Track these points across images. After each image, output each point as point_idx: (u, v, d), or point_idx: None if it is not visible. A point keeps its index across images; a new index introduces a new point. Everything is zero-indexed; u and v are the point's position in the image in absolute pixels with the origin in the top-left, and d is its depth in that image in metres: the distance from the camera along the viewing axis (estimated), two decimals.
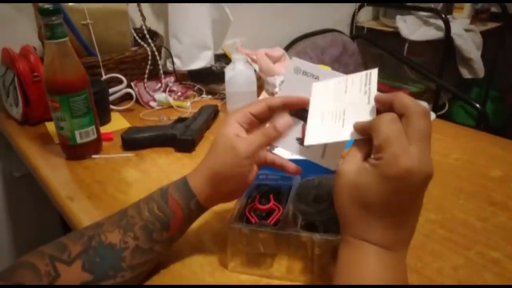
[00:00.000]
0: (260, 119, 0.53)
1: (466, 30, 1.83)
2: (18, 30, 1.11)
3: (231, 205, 0.57)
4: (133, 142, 0.89)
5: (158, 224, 0.51)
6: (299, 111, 0.52)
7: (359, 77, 0.49)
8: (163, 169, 0.82)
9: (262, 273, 0.55)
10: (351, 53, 1.83)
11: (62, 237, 0.51)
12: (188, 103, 1.10)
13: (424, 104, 0.97)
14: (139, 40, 1.15)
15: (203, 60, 1.27)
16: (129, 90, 1.08)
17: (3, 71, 1.02)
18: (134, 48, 1.13)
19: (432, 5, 1.81)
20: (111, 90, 1.05)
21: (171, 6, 1.26)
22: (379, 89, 0.47)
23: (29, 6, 1.09)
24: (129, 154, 0.87)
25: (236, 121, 0.51)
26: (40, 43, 1.08)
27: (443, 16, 1.73)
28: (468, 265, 0.56)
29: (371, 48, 1.98)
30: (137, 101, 1.10)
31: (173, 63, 1.24)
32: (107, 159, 0.85)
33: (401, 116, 0.41)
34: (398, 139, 0.39)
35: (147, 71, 1.13)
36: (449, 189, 0.72)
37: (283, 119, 0.50)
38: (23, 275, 0.45)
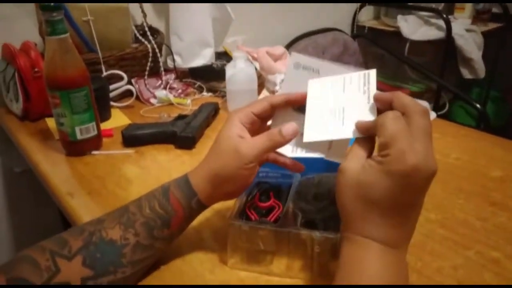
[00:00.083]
0: (262, 118, 0.53)
1: (467, 30, 1.83)
2: (19, 26, 1.11)
3: (231, 203, 0.57)
4: (133, 138, 0.89)
5: (159, 221, 0.51)
6: (302, 106, 0.52)
7: (357, 76, 0.49)
8: (163, 166, 0.82)
9: (262, 270, 0.55)
10: (352, 53, 1.83)
11: (62, 232, 0.51)
12: (188, 101, 1.10)
13: (425, 103, 0.97)
14: (140, 37, 1.15)
15: (203, 57, 1.27)
16: (130, 87, 1.08)
17: (3, 66, 1.02)
18: (135, 45, 1.13)
19: (433, 5, 1.81)
20: (111, 87, 1.05)
21: (173, 3, 1.26)
22: (379, 89, 0.47)
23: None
24: (129, 151, 0.87)
25: (239, 121, 0.51)
26: (40, 39, 1.08)
27: (444, 16, 1.73)
28: (468, 264, 0.56)
29: (372, 47, 1.98)
30: (137, 98, 1.10)
31: (173, 60, 1.24)
32: (107, 156, 0.85)
33: (401, 114, 0.42)
34: (404, 136, 0.39)
35: (147, 68, 1.13)
36: (449, 188, 0.72)
37: (290, 125, 0.49)
38: (23, 269, 0.46)
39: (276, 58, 1.18)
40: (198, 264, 0.56)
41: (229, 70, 0.99)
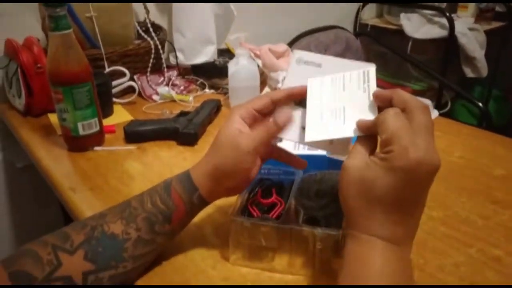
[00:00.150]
0: (263, 114, 0.52)
1: (470, 29, 1.82)
2: (22, 22, 1.11)
3: (233, 199, 0.57)
4: (136, 135, 0.89)
5: (160, 216, 0.51)
6: (304, 100, 0.52)
7: (356, 74, 0.49)
8: (165, 162, 0.82)
9: (264, 266, 0.55)
10: (354, 50, 1.82)
11: (65, 226, 0.51)
12: (190, 97, 1.10)
13: (428, 102, 0.97)
14: (143, 34, 1.15)
15: (206, 54, 1.27)
16: (132, 83, 1.08)
17: (6, 62, 1.02)
18: (137, 41, 1.13)
19: (436, 3, 1.81)
20: (113, 83, 1.05)
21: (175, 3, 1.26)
22: (381, 86, 0.47)
23: None
24: (131, 147, 0.87)
25: (240, 116, 0.51)
26: (43, 35, 1.08)
27: (447, 14, 1.72)
28: (469, 262, 0.56)
29: (375, 45, 1.97)
30: (139, 94, 1.10)
31: (176, 57, 1.24)
32: (110, 152, 0.85)
33: (401, 111, 0.42)
34: (406, 132, 0.40)
35: (150, 64, 1.13)
36: (451, 187, 0.72)
37: (283, 113, 0.49)
38: (25, 263, 0.46)
39: (278, 56, 1.18)
40: (200, 260, 0.56)
41: (232, 67, 0.99)
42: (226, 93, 1.12)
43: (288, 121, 0.50)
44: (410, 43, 1.84)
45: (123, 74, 1.06)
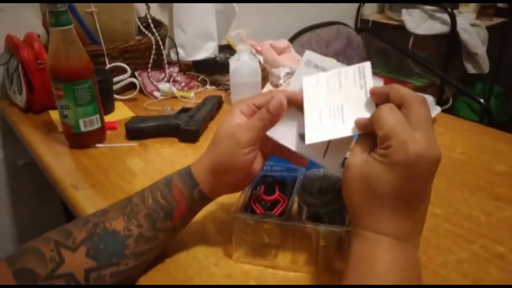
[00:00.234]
0: None
1: (472, 25, 1.82)
2: (22, 17, 1.10)
3: (235, 196, 0.57)
4: (137, 131, 0.88)
5: (161, 212, 0.51)
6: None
7: (352, 71, 0.48)
8: (167, 159, 0.82)
9: (267, 263, 0.55)
10: (355, 46, 1.82)
11: (67, 223, 0.51)
12: (192, 94, 1.09)
13: (430, 98, 0.97)
14: (144, 29, 1.14)
15: (207, 50, 1.27)
16: (133, 79, 1.07)
17: (7, 58, 1.02)
18: (138, 37, 1.13)
19: None
20: (114, 79, 1.04)
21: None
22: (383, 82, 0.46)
23: None
24: (133, 144, 0.87)
25: (240, 111, 0.51)
26: (44, 31, 1.07)
27: (449, 10, 1.72)
28: (472, 259, 0.56)
29: (376, 41, 1.97)
30: (140, 90, 1.10)
31: (177, 53, 1.24)
32: (111, 148, 0.85)
33: (399, 106, 0.42)
34: (403, 126, 0.40)
35: (151, 60, 1.12)
36: (454, 183, 0.72)
37: (275, 100, 0.48)
38: (28, 260, 0.46)
39: (280, 52, 1.18)
40: (203, 257, 0.56)
41: (233, 63, 0.99)
42: (227, 90, 1.11)
43: (280, 107, 0.48)
44: (411, 39, 1.83)
45: (124, 71, 1.05)
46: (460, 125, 0.94)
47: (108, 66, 1.04)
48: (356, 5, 1.93)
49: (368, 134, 0.44)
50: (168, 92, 1.09)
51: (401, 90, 0.43)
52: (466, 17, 1.85)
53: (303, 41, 1.67)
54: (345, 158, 0.45)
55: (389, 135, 0.40)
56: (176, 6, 1.25)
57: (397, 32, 1.87)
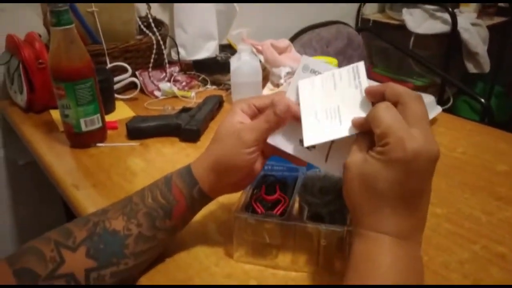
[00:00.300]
0: (262, 113, 0.52)
1: (473, 24, 1.81)
2: (23, 17, 1.10)
3: (236, 196, 0.57)
4: (138, 131, 0.88)
5: (161, 211, 0.51)
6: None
7: (346, 71, 0.48)
8: (168, 158, 0.82)
9: (267, 263, 0.55)
10: (356, 46, 1.82)
11: (68, 222, 0.51)
12: (192, 93, 1.09)
13: (430, 97, 0.96)
14: (144, 29, 1.14)
15: (208, 50, 1.26)
16: (134, 79, 1.07)
17: (7, 58, 1.02)
18: (139, 37, 1.13)
19: None
20: (115, 79, 1.04)
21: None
22: (383, 82, 0.46)
23: None
24: (134, 143, 0.87)
25: (241, 109, 0.51)
26: (45, 30, 1.07)
27: (450, 9, 1.71)
28: (474, 259, 0.56)
29: (377, 41, 1.97)
30: (141, 90, 1.10)
31: (178, 52, 1.23)
32: (112, 148, 0.85)
33: (395, 104, 0.42)
34: (400, 124, 0.40)
35: (152, 60, 1.12)
36: (455, 183, 0.72)
37: (281, 103, 0.48)
38: (28, 260, 0.46)
39: (280, 51, 1.17)
40: (204, 257, 0.56)
41: (234, 62, 0.99)
42: (228, 89, 1.11)
43: (287, 111, 0.48)
44: (412, 39, 1.83)
45: (125, 70, 1.05)
46: (461, 124, 0.94)
47: (109, 65, 1.04)
48: (356, 4, 1.93)
49: (366, 133, 0.44)
50: (169, 91, 1.09)
51: (396, 88, 0.43)
52: (466, 16, 1.85)
53: (303, 40, 1.67)
54: None
55: (386, 133, 0.39)
56: (177, 5, 1.25)
57: (398, 31, 1.87)
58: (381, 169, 0.40)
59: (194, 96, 1.08)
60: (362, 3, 1.93)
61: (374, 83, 0.46)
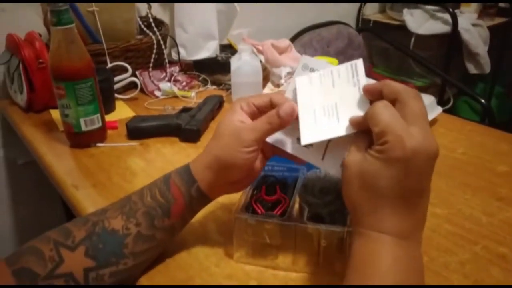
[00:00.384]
0: (261, 112, 0.52)
1: (473, 25, 1.81)
2: (23, 16, 1.10)
3: (236, 196, 0.57)
4: (138, 131, 0.88)
5: (159, 210, 0.51)
6: None
7: (344, 68, 0.48)
8: (168, 158, 0.82)
9: (268, 264, 0.55)
10: (356, 46, 1.82)
11: (68, 222, 0.51)
12: (193, 93, 1.09)
13: (431, 98, 0.96)
14: (145, 29, 1.14)
15: (208, 50, 1.26)
16: (134, 79, 1.07)
17: (7, 57, 1.02)
18: (139, 37, 1.13)
19: None
20: (115, 79, 1.04)
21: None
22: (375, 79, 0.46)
23: None
24: (134, 143, 0.87)
25: (240, 108, 0.51)
26: (45, 30, 1.07)
27: (451, 10, 1.71)
28: (474, 259, 0.56)
29: (377, 41, 1.97)
30: (141, 90, 1.09)
31: (178, 52, 1.23)
32: (112, 148, 0.85)
33: (393, 102, 0.42)
34: (398, 122, 0.39)
35: (152, 60, 1.12)
36: (455, 183, 0.72)
37: (286, 105, 0.48)
38: (28, 260, 0.46)
39: (281, 51, 1.17)
40: (204, 258, 0.56)
41: (234, 62, 0.99)
42: (228, 89, 1.11)
43: (291, 114, 0.47)
44: (412, 39, 1.83)
45: (125, 70, 1.05)
46: (461, 125, 0.94)
47: (109, 65, 1.04)
48: (357, 4, 1.93)
49: (364, 132, 0.43)
50: (169, 91, 1.09)
51: (394, 86, 0.42)
52: (467, 17, 1.84)
53: (304, 40, 1.67)
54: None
55: (385, 131, 0.39)
56: (177, 5, 1.25)
57: (398, 32, 1.87)
58: (381, 167, 0.39)
59: (194, 96, 1.08)
60: (363, 3, 1.93)
61: (373, 81, 0.46)
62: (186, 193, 0.51)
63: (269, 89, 1.07)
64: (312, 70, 0.51)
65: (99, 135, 0.86)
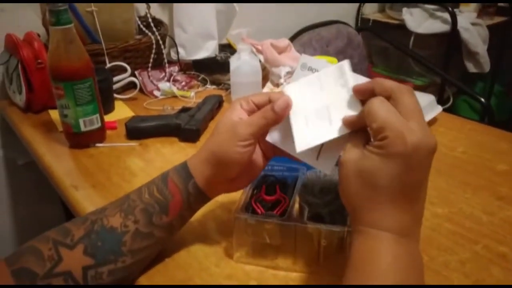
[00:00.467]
0: (260, 109, 0.52)
1: (473, 24, 1.81)
2: (22, 17, 1.10)
3: (236, 196, 0.56)
4: (137, 131, 0.88)
5: (157, 207, 0.51)
6: None
7: (331, 70, 0.48)
8: (167, 158, 0.82)
9: (268, 264, 0.55)
10: (356, 46, 1.82)
11: (67, 222, 0.51)
12: (192, 93, 1.09)
13: (430, 97, 0.96)
14: (144, 29, 1.14)
15: (207, 50, 1.26)
16: (133, 79, 1.07)
17: (6, 57, 1.02)
18: (138, 37, 1.12)
19: None
20: (115, 79, 1.04)
21: None
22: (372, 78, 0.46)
23: None
24: (133, 143, 0.86)
25: (240, 106, 0.51)
26: (44, 30, 1.07)
27: (450, 9, 1.71)
28: (475, 259, 0.55)
29: (377, 40, 1.97)
30: (140, 90, 1.09)
31: (177, 52, 1.23)
32: (111, 148, 0.85)
33: (387, 99, 0.41)
34: (396, 117, 0.39)
35: (151, 60, 1.12)
36: (455, 182, 0.72)
37: (281, 100, 0.48)
38: (27, 260, 0.46)
39: (280, 51, 1.17)
40: (203, 258, 0.56)
41: (234, 62, 0.99)
42: (227, 89, 1.11)
43: (286, 108, 0.48)
44: (412, 38, 1.83)
45: (124, 70, 1.05)
46: (461, 124, 0.94)
47: (108, 65, 1.03)
48: (356, 4, 1.93)
49: (359, 130, 0.43)
50: (168, 91, 1.09)
51: (385, 83, 0.42)
52: (466, 16, 1.84)
53: (303, 40, 1.67)
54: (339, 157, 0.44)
55: (383, 127, 0.39)
56: (176, 5, 1.25)
57: (398, 31, 1.87)
58: (381, 163, 0.39)
59: (193, 96, 1.08)
60: (362, 3, 1.92)
61: (364, 79, 0.46)
62: (184, 190, 0.51)
63: (268, 88, 1.07)
64: (310, 69, 0.51)
65: (98, 135, 0.86)
